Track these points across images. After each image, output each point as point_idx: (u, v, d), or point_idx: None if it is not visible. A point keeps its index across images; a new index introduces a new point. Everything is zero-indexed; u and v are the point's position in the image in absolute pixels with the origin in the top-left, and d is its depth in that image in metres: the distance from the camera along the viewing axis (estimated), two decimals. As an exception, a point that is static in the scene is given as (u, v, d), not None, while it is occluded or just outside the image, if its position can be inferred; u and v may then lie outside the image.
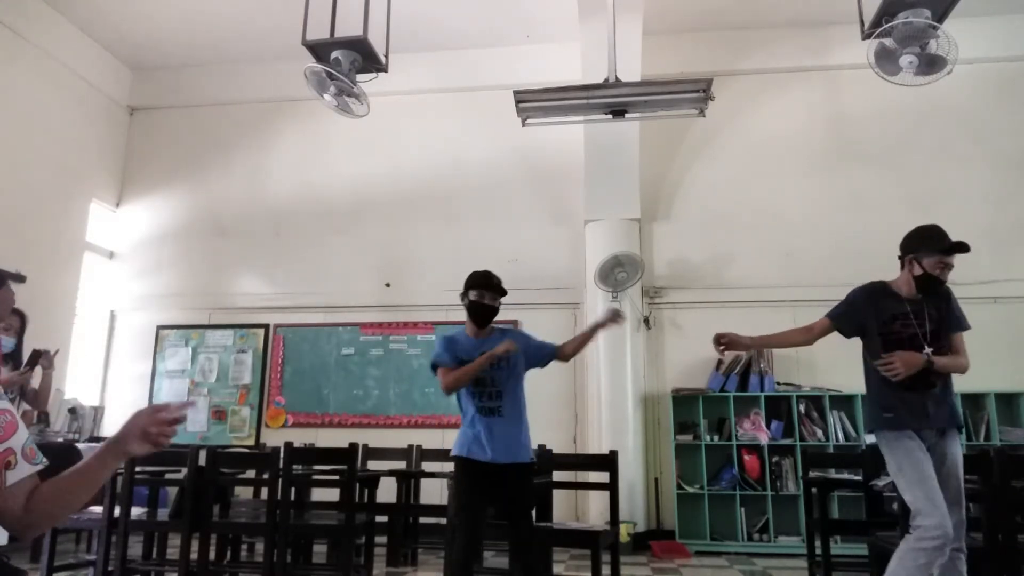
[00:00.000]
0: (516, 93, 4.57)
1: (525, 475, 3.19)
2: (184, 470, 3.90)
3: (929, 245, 2.95)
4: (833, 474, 4.45)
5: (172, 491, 4.51)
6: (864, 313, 3.07)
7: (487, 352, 3.13)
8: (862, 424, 5.87)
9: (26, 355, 4.37)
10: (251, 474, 4.81)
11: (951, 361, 2.98)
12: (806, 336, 3.16)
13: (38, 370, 4.38)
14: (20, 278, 4.04)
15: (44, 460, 1.38)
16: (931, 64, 4.23)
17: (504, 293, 3.30)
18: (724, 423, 6.13)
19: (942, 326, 3.00)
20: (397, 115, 7.15)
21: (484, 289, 3.25)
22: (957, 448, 2.95)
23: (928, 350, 2.92)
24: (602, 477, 3.84)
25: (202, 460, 3.92)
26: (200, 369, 7.11)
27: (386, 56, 4.92)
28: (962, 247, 2.90)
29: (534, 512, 3.91)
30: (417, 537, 5.29)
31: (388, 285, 7.06)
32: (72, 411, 6.50)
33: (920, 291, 2.99)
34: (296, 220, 7.32)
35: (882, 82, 4.48)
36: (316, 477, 4.65)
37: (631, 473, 5.90)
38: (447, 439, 6.37)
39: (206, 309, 7.26)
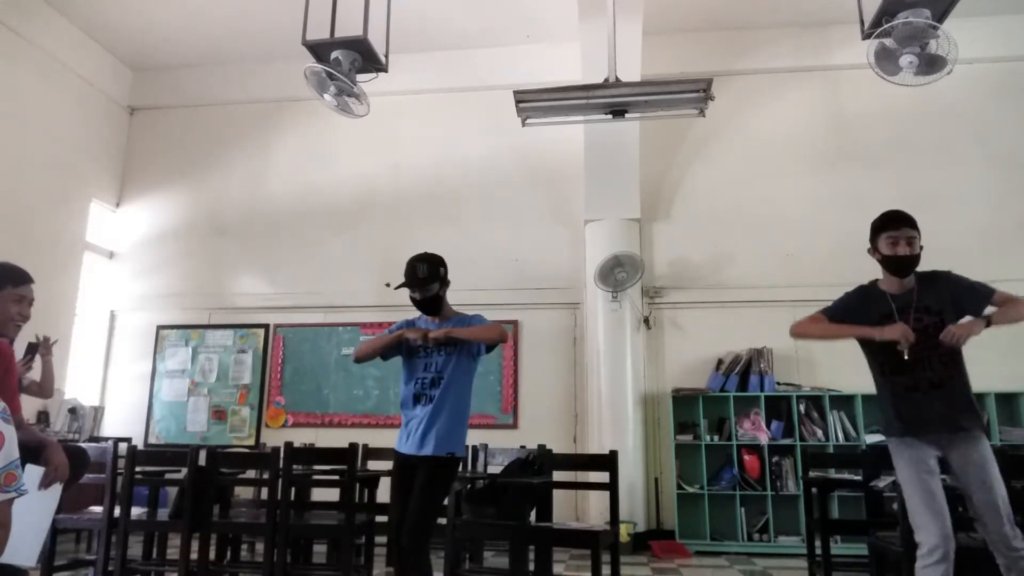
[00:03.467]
0: (516, 93, 4.56)
1: (434, 468, 2.96)
2: (184, 470, 3.89)
3: (874, 229, 2.93)
4: (833, 474, 4.45)
5: (172, 491, 4.51)
6: (856, 316, 2.94)
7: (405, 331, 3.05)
8: (862, 424, 5.89)
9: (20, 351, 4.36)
10: (251, 474, 4.81)
11: (1010, 312, 2.74)
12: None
13: (37, 362, 4.37)
14: None
15: (23, 489, 1.29)
16: (931, 64, 4.22)
17: (435, 278, 3.08)
18: (724, 423, 6.13)
19: (947, 314, 2.78)
20: (397, 115, 7.14)
21: (410, 286, 3.09)
22: (982, 450, 2.72)
23: (903, 346, 2.71)
24: (602, 477, 3.83)
25: (202, 460, 3.91)
26: (200, 369, 7.10)
27: (386, 56, 4.92)
28: (895, 214, 2.86)
29: (534, 511, 3.91)
30: (417, 537, 5.27)
31: (388, 285, 7.01)
32: (72, 411, 6.52)
33: (895, 274, 2.89)
34: (296, 220, 7.32)
35: (882, 82, 4.48)
36: (316, 477, 4.64)
37: (631, 473, 5.90)
38: (447, 439, 6.38)
39: (206, 309, 7.26)
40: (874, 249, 2.94)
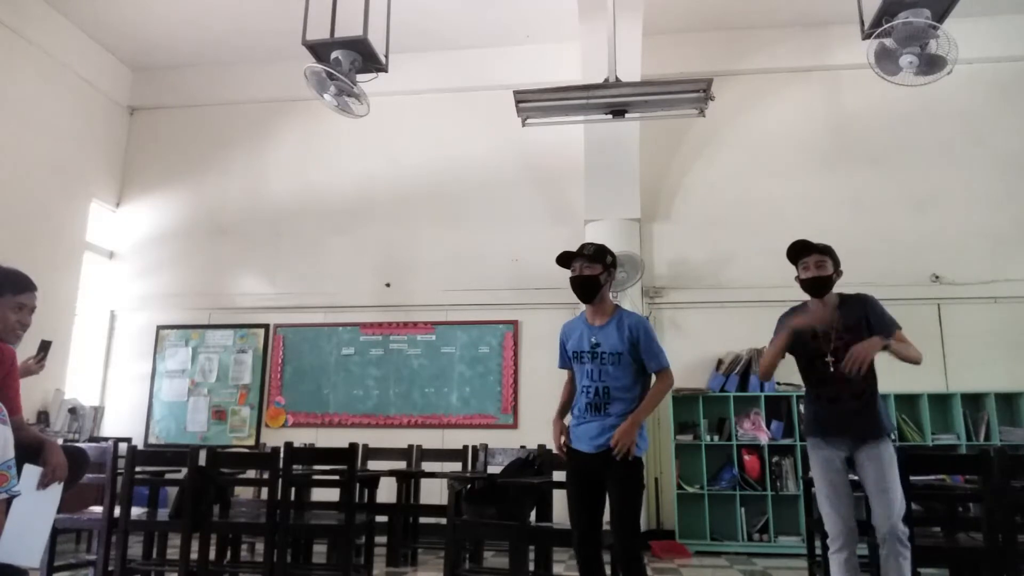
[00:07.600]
0: (516, 93, 4.57)
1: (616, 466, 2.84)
2: (184, 470, 3.89)
3: (790, 260, 3.34)
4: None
5: (172, 491, 4.51)
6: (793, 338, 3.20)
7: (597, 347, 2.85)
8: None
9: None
10: (251, 474, 4.81)
11: (903, 348, 3.05)
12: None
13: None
14: None
15: (15, 490, 1.29)
16: (931, 64, 4.23)
17: (602, 257, 2.94)
18: (724, 423, 6.13)
19: (858, 337, 3.00)
20: (397, 115, 7.15)
21: (572, 259, 2.93)
22: (884, 456, 2.99)
23: (830, 359, 3.07)
24: (602, 477, 3.82)
25: (202, 460, 3.91)
26: (200, 369, 7.10)
27: (386, 56, 4.92)
28: (801, 244, 3.27)
29: (534, 511, 3.90)
30: (417, 537, 5.29)
31: (388, 285, 7.05)
32: (72, 411, 6.52)
33: (811, 293, 3.24)
34: (296, 220, 7.32)
35: (882, 82, 4.48)
36: (316, 477, 4.64)
37: (631, 473, 5.89)
38: (447, 439, 6.40)
39: (206, 309, 7.26)
40: (797, 276, 3.30)
